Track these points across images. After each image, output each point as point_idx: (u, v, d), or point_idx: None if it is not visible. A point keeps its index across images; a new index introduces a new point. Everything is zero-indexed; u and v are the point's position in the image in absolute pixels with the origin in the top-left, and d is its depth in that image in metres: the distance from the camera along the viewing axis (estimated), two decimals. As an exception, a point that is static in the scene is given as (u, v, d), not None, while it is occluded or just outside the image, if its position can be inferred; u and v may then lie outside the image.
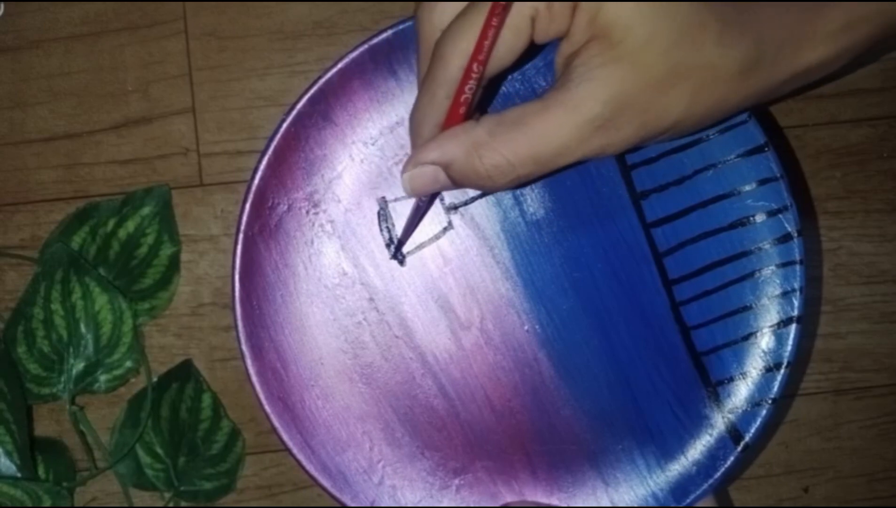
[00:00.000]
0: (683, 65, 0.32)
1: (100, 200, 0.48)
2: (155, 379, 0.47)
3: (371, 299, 0.43)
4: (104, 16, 0.48)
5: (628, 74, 0.32)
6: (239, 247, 0.42)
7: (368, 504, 0.43)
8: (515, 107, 0.34)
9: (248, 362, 0.42)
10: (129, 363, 0.47)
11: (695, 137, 0.42)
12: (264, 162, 0.42)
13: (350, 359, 0.44)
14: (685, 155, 0.42)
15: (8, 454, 0.44)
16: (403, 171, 0.36)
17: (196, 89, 0.48)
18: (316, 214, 0.43)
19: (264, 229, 0.42)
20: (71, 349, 0.46)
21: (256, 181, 0.42)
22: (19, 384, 0.46)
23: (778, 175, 0.41)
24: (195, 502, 0.48)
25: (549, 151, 0.33)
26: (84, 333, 0.46)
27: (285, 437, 0.42)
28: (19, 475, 0.44)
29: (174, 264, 0.48)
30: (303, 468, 0.42)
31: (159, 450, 0.47)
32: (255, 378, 0.42)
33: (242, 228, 0.42)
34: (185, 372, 0.48)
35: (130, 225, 0.47)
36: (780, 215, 0.41)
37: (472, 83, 0.33)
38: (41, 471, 0.46)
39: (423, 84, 0.35)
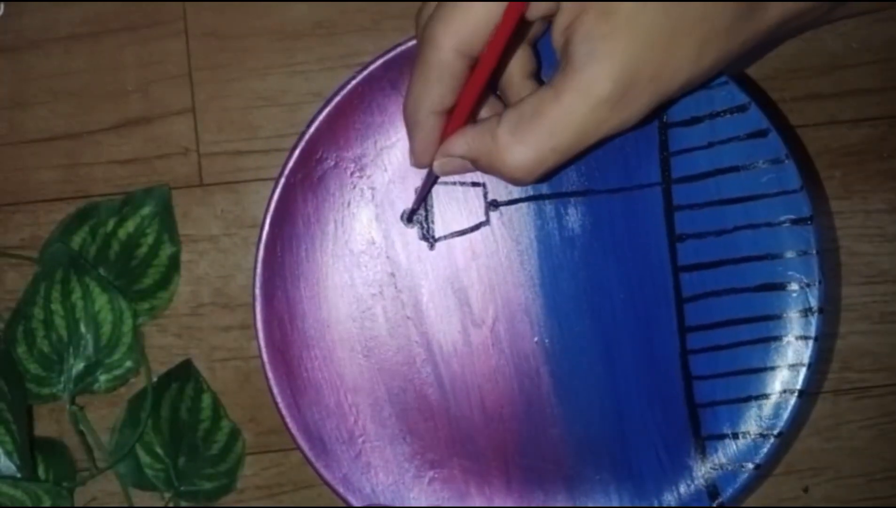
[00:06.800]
0: (684, 21, 0.31)
1: (100, 200, 0.48)
2: (155, 379, 0.47)
3: (392, 275, 0.43)
4: (104, 16, 0.48)
5: (632, 43, 0.31)
6: (278, 191, 0.42)
7: (340, 476, 0.42)
8: (530, 97, 0.33)
9: (258, 306, 0.42)
10: (129, 363, 0.47)
11: (743, 194, 0.41)
12: (323, 114, 0.42)
13: (357, 328, 0.43)
14: (730, 209, 0.42)
15: (8, 454, 0.44)
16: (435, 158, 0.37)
17: (196, 89, 0.48)
18: (360, 177, 0.43)
19: (306, 180, 0.42)
20: (71, 349, 0.46)
21: (311, 131, 0.42)
22: (20, 384, 0.46)
23: (815, 251, 0.41)
24: (195, 502, 0.48)
25: (569, 140, 0.33)
26: (84, 333, 0.46)
27: (276, 390, 0.42)
28: (19, 475, 0.44)
29: (174, 264, 0.48)
30: (285, 425, 0.42)
31: (159, 450, 0.47)
32: (260, 325, 0.42)
33: (286, 173, 0.42)
34: (185, 372, 0.48)
35: (130, 225, 0.47)
36: (807, 290, 0.41)
37: (482, 83, 0.33)
38: (41, 471, 0.46)
39: (416, 68, 0.35)
